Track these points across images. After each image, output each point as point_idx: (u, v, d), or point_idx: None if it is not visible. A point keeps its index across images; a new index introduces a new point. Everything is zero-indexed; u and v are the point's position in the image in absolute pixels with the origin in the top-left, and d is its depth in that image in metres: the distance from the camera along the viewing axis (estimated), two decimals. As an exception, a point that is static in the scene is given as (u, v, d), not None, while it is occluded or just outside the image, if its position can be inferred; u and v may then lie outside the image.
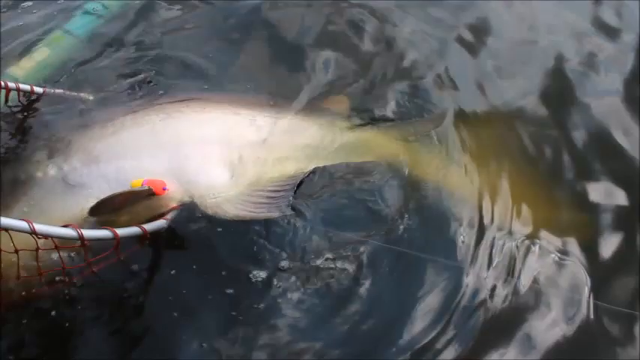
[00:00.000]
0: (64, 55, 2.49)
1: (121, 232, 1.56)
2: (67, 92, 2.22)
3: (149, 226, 1.67)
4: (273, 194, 1.85)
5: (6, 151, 2.01)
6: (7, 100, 2.07)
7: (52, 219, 1.56)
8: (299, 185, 1.94)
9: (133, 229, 1.62)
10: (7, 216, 1.37)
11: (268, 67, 2.52)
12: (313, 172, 1.99)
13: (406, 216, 1.92)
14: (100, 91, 2.28)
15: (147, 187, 1.73)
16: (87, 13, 2.71)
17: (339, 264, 1.80)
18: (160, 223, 1.72)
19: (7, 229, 1.35)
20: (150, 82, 2.33)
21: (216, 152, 1.95)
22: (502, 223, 1.97)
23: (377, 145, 2.13)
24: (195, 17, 2.80)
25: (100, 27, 2.67)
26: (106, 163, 1.87)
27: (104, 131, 1.98)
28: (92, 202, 1.70)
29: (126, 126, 2.00)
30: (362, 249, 1.83)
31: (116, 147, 1.94)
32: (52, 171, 1.85)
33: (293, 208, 1.86)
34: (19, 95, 2.09)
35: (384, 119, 2.26)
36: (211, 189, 1.85)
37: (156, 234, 1.71)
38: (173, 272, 1.76)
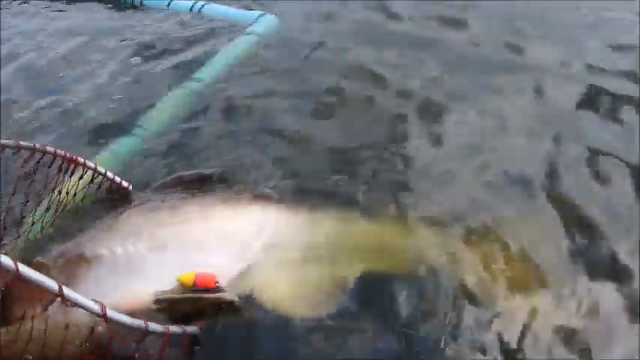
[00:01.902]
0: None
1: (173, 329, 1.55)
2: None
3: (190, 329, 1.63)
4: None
5: (73, 227, 2.08)
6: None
7: (111, 299, 1.56)
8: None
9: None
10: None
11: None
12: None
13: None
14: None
15: (214, 295, 1.72)
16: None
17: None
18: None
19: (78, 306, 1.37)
20: (211, 176, 2.44)
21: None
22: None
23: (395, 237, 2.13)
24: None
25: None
26: (172, 252, 1.90)
27: (172, 219, 2.04)
28: (152, 287, 1.72)
29: (193, 217, 2.05)
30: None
31: (184, 237, 1.97)
32: (118, 251, 1.88)
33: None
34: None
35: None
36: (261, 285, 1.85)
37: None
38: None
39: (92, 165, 2.12)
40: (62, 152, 1.97)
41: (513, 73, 3.23)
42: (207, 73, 3.42)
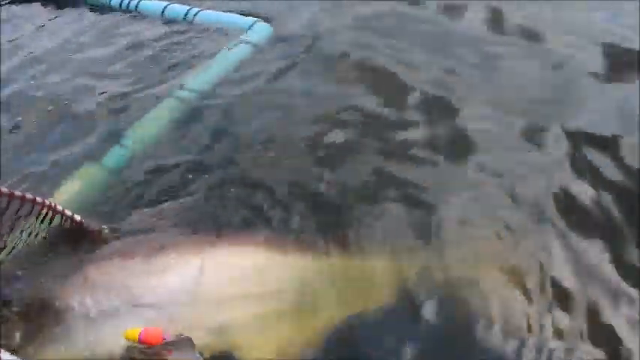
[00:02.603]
0: (95, 189, 2.58)
1: None
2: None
3: None
4: None
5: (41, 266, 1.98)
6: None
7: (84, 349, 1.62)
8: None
9: None
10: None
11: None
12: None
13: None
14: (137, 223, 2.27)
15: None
16: (123, 147, 2.86)
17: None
18: None
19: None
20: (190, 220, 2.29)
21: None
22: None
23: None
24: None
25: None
26: (143, 307, 1.83)
27: (147, 268, 1.96)
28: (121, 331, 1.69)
29: (170, 267, 1.95)
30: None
31: (158, 290, 1.88)
32: (89, 302, 1.81)
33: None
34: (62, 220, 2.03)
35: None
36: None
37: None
38: None
39: (60, 209, 2.01)
40: (30, 196, 1.82)
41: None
42: (198, 83, 3.36)
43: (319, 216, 2.31)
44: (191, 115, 3.14)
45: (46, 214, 1.93)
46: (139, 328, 1.69)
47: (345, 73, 3.29)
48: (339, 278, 2.00)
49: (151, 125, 3.08)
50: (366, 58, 3.38)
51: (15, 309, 1.77)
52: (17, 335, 1.70)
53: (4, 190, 1.70)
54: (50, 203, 1.94)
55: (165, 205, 2.39)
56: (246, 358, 1.74)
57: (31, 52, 4.03)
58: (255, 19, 3.92)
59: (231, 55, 3.63)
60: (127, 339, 1.69)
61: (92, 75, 3.64)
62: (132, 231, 2.22)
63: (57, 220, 2.00)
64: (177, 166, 2.71)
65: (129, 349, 1.69)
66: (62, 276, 1.93)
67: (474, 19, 3.63)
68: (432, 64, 3.26)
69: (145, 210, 2.37)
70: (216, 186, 2.53)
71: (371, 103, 3.01)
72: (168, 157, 2.79)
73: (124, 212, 2.38)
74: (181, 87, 3.34)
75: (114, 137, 2.95)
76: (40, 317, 1.77)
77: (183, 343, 1.65)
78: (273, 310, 1.86)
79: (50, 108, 3.31)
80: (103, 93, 3.42)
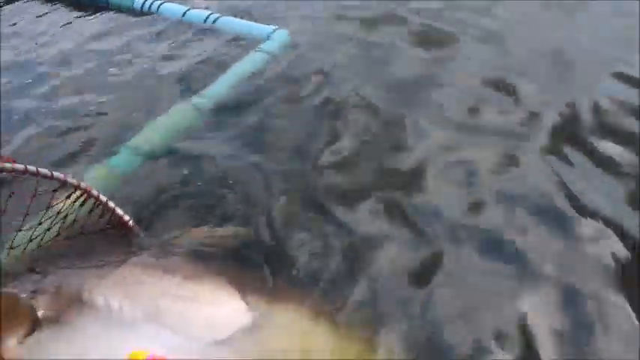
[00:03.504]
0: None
1: None
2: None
3: None
4: None
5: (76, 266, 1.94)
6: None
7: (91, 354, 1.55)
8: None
9: None
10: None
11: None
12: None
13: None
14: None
15: None
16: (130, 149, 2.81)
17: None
18: None
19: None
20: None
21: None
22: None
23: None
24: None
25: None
26: (166, 332, 1.70)
27: (180, 291, 1.85)
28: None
29: (203, 300, 1.84)
30: None
31: (184, 319, 1.76)
32: (115, 309, 1.71)
33: None
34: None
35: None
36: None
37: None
38: None
39: (95, 193, 2.00)
40: (62, 175, 1.84)
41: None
42: (214, 90, 3.35)
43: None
44: (205, 123, 3.11)
45: (80, 196, 1.95)
46: (146, 353, 1.56)
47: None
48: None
49: (163, 131, 3.03)
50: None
51: (38, 295, 1.72)
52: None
53: (32, 168, 1.72)
54: (86, 186, 1.94)
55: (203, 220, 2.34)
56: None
57: (52, 50, 4.05)
58: (275, 26, 3.91)
59: (249, 63, 3.63)
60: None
61: (109, 75, 3.64)
62: (168, 241, 2.17)
63: (89, 204, 2.00)
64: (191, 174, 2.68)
65: None
66: (95, 269, 1.90)
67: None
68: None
69: (183, 220, 2.33)
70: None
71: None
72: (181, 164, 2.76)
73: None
74: (197, 94, 3.31)
75: (123, 140, 2.91)
76: (60, 306, 1.70)
77: None
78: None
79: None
80: (117, 96, 3.41)
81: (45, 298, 1.69)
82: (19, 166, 1.70)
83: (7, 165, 1.70)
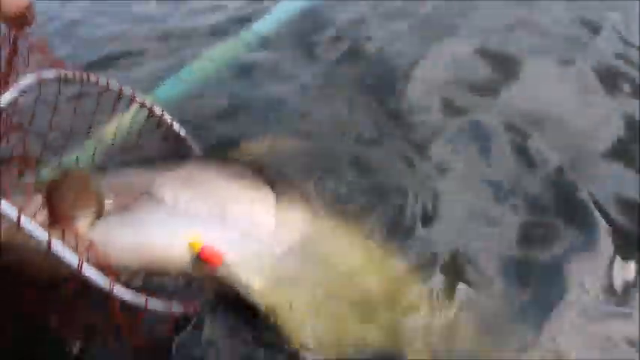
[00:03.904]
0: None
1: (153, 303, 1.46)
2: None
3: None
4: None
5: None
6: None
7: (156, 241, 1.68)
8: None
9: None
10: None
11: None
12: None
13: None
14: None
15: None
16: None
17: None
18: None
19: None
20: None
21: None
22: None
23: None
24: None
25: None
26: (225, 225, 1.83)
27: (243, 194, 1.97)
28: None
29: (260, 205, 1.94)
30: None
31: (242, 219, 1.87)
32: (183, 203, 1.84)
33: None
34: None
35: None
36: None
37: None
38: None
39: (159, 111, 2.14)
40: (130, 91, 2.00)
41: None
42: (261, 26, 3.42)
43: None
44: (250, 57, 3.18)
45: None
46: (200, 244, 1.68)
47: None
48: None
49: (212, 62, 3.12)
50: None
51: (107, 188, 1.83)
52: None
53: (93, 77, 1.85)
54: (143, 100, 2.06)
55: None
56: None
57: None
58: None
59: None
60: (190, 248, 1.68)
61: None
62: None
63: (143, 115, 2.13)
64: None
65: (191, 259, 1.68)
66: (160, 168, 2.01)
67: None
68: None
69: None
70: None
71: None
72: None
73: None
74: (245, 29, 3.38)
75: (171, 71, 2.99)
76: (128, 198, 1.82)
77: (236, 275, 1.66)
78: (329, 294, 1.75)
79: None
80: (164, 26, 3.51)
81: (114, 190, 1.81)
82: (80, 74, 1.81)
83: (75, 73, 1.80)
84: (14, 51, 1.71)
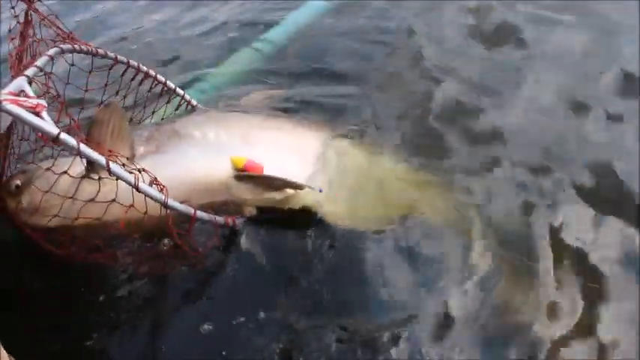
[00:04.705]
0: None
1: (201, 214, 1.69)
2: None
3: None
4: None
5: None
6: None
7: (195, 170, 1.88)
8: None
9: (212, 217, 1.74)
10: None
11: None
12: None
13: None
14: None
15: (301, 184, 1.90)
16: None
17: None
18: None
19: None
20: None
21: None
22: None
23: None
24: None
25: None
26: (257, 149, 2.03)
27: (264, 125, 2.24)
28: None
29: (281, 128, 2.26)
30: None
31: (272, 141, 2.13)
32: (211, 136, 2.03)
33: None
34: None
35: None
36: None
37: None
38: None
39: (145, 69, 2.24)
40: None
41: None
42: (275, 35, 3.42)
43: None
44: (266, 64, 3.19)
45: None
46: (244, 158, 1.91)
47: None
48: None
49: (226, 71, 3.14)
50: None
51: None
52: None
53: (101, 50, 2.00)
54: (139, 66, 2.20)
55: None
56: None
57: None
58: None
59: (308, 11, 3.57)
60: (233, 163, 1.90)
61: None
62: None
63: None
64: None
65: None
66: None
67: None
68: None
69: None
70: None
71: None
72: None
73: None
74: (258, 38, 3.41)
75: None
76: (158, 141, 1.99)
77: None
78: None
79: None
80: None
81: (144, 137, 1.99)
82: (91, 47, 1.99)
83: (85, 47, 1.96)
84: (27, 22, 1.86)
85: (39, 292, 1.77)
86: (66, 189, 1.64)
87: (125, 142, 1.80)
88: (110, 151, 1.64)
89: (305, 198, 1.93)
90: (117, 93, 2.11)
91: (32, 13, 1.84)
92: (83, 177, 1.67)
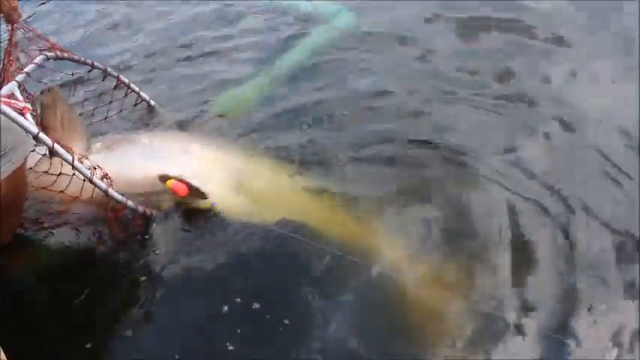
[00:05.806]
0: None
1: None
2: None
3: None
4: None
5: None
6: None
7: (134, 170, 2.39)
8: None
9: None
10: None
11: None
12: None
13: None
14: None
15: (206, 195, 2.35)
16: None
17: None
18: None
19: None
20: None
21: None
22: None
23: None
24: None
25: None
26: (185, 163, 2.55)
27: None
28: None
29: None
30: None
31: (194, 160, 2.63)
32: (155, 144, 2.59)
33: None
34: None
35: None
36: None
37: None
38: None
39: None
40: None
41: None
42: (284, 62, 3.60)
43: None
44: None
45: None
46: (172, 180, 2.33)
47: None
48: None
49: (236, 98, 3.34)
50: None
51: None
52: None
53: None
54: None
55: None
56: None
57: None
58: (342, 6, 4.01)
59: (315, 40, 3.74)
60: (161, 181, 2.33)
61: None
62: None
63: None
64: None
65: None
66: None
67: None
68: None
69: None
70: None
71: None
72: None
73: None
74: (269, 65, 3.60)
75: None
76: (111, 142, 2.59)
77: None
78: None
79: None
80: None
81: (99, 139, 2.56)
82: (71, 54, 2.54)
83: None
84: (10, 41, 2.36)
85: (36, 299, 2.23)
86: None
87: (79, 133, 2.35)
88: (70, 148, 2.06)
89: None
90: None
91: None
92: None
